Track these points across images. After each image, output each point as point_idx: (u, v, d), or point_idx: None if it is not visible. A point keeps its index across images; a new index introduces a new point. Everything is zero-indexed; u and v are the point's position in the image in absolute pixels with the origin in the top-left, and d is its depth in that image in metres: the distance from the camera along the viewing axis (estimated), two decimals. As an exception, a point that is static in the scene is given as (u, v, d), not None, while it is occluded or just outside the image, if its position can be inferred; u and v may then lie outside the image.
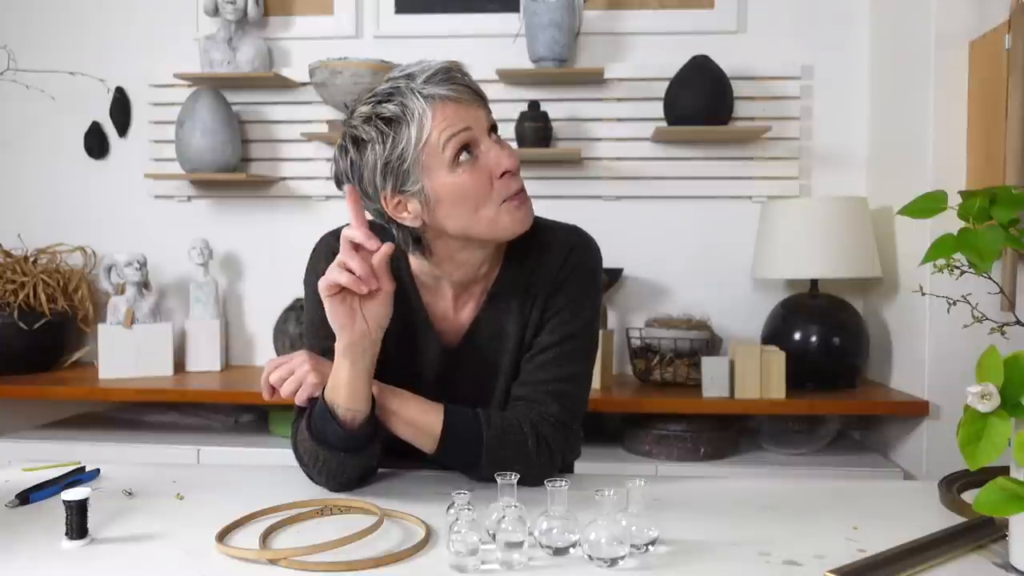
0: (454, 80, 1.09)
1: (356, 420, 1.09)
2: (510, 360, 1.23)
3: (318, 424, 1.10)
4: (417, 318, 1.24)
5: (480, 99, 1.12)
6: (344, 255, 1.04)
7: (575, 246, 1.23)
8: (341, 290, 1.05)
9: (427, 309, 1.24)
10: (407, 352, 1.24)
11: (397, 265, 1.22)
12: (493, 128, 1.14)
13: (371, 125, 1.09)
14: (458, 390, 1.23)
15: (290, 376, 1.14)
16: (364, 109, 1.10)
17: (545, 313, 1.22)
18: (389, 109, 1.08)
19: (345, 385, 1.08)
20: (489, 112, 1.13)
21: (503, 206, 1.12)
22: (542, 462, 1.15)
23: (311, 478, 1.16)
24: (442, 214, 1.11)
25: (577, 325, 1.21)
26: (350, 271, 1.03)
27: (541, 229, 1.24)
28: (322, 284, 1.04)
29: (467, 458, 1.15)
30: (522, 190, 1.14)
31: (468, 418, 1.15)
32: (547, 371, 1.19)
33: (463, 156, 1.09)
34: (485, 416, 1.15)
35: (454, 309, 1.25)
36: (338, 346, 1.08)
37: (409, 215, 1.13)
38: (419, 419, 1.14)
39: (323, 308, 1.12)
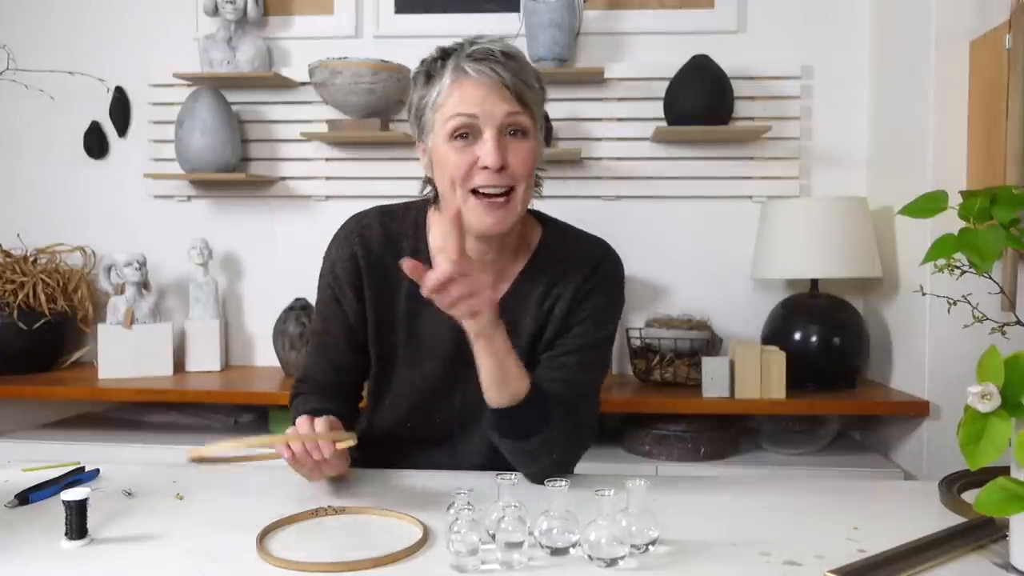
0: (491, 60, 1.11)
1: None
2: (522, 348, 1.24)
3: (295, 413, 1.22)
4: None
5: (508, 90, 1.11)
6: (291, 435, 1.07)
7: (606, 256, 1.27)
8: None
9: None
10: (420, 329, 1.26)
11: (416, 245, 1.26)
12: (516, 127, 1.13)
13: (420, 71, 1.17)
14: (470, 370, 1.23)
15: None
16: (432, 54, 1.17)
17: (570, 317, 1.24)
18: (434, 66, 1.15)
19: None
20: (518, 109, 1.12)
21: (470, 199, 1.14)
22: (573, 453, 1.24)
23: None
24: (435, 174, 1.19)
25: (600, 336, 1.25)
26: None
27: (573, 235, 1.30)
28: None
29: (527, 428, 1.15)
30: (496, 194, 1.13)
31: (541, 391, 1.16)
32: (564, 373, 1.22)
33: (459, 137, 1.13)
34: (549, 389, 1.17)
35: None
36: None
37: (423, 162, 1.22)
38: (514, 372, 1.13)
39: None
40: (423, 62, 1.18)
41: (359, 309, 1.27)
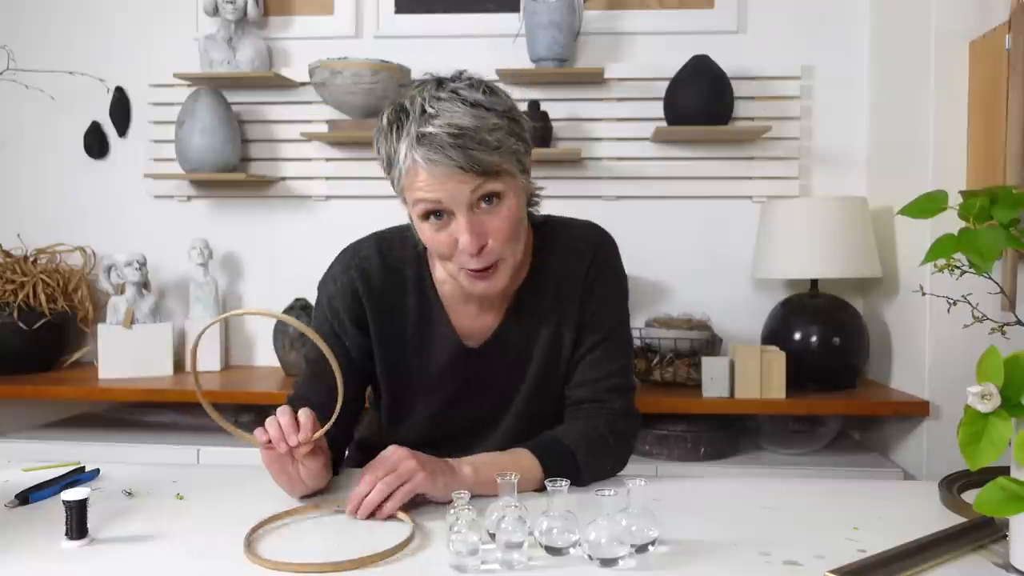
0: (436, 145, 1.02)
1: None
2: (540, 359, 1.24)
3: None
4: (437, 327, 1.24)
5: (465, 171, 1.03)
6: (269, 420, 1.05)
7: (599, 243, 1.26)
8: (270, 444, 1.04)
9: (449, 315, 1.24)
10: (431, 354, 1.25)
11: (420, 274, 1.24)
12: (487, 196, 1.07)
13: (381, 129, 1.09)
14: (482, 389, 1.25)
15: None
16: (388, 116, 1.08)
17: (584, 313, 1.24)
18: (390, 136, 1.07)
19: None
20: (481, 182, 1.05)
21: (462, 271, 1.12)
22: (624, 455, 1.24)
23: None
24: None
25: (617, 320, 1.27)
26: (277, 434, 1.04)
27: (559, 226, 1.28)
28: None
29: (568, 476, 1.15)
30: (483, 268, 1.10)
31: (559, 448, 1.16)
32: (599, 369, 1.24)
33: (431, 218, 1.08)
34: (569, 440, 1.17)
35: (479, 315, 1.25)
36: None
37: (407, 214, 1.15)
38: (514, 469, 1.11)
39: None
40: (384, 118, 1.09)
41: (364, 344, 1.24)
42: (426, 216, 1.08)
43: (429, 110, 1.04)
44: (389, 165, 1.09)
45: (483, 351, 1.25)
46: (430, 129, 1.02)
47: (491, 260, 1.10)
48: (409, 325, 1.24)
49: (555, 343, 1.25)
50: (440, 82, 1.08)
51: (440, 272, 1.23)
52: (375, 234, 1.28)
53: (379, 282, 1.23)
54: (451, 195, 1.05)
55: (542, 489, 1.11)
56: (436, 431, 1.28)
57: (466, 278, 1.12)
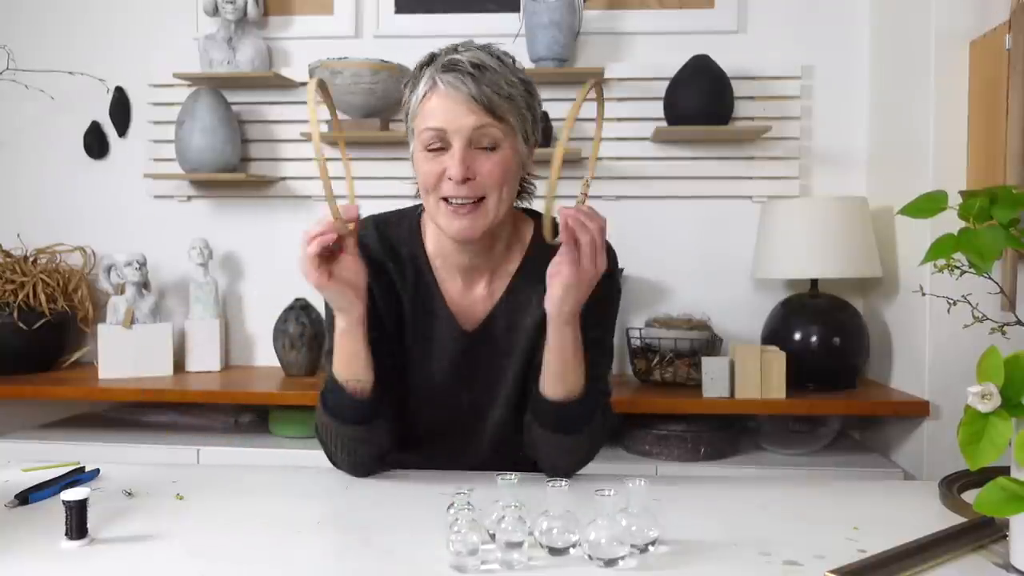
0: (458, 71, 1.11)
1: (364, 391, 1.16)
2: (523, 348, 1.26)
3: (331, 398, 1.18)
4: (434, 303, 1.27)
5: (476, 103, 1.11)
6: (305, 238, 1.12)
7: None
8: (319, 265, 1.10)
9: (443, 291, 1.27)
10: (422, 334, 1.27)
11: (414, 251, 1.27)
12: (486, 139, 1.13)
13: (409, 75, 1.19)
14: (474, 372, 1.26)
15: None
16: (421, 58, 1.18)
17: None
18: (418, 73, 1.16)
19: (353, 358, 1.15)
20: (487, 122, 1.12)
21: (441, 205, 1.16)
22: (599, 445, 1.25)
23: (332, 460, 1.23)
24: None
25: (603, 329, 1.28)
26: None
27: None
28: (302, 270, 1.11)
29: (575, 423, 1.19)
30: (465, 202, 1.15)
31: (587, 400, 1.19)
32: None
33: (431, 145, 1.15)
34: (590, 404, 1.20)
35: (469, 292, 1.27)
36: (341, 325, 1.15)
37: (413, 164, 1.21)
38: (575, 368, 1.17)
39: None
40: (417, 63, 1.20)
41: (372, 313, 1.25)
42: (426, 147, 1.14)
43: (459, 48, 1.15)
44: (410, 95, 1.17)
45: (473, 336, 1.26)
46: (455, 57, 1.12)
47: (475, 193, 1.14)
48: (407, 296, 1.27)
49: (539, 340, 1.25)
50: (473, 42, 1.19)
51: (431, 244, 1.27)
52: (371, 215, 1.33)
53: (378, 256, 1.26)
54: (454, 125, 1.12)
55: (563, 410, 1.16)
56: (422, 416, 1.29)
57: (445, 216, 1.16)
